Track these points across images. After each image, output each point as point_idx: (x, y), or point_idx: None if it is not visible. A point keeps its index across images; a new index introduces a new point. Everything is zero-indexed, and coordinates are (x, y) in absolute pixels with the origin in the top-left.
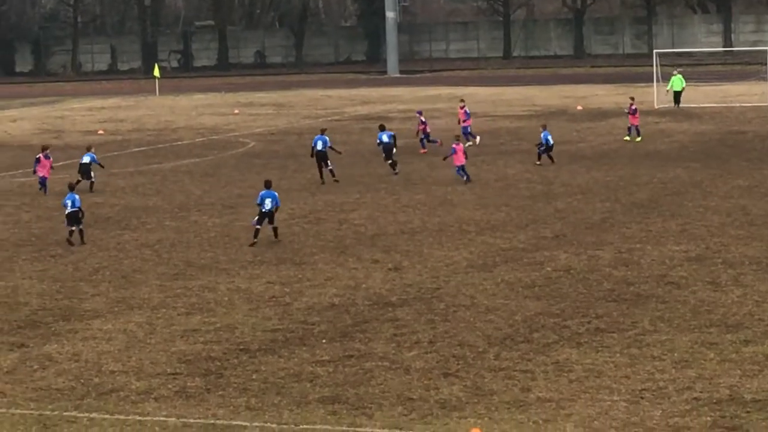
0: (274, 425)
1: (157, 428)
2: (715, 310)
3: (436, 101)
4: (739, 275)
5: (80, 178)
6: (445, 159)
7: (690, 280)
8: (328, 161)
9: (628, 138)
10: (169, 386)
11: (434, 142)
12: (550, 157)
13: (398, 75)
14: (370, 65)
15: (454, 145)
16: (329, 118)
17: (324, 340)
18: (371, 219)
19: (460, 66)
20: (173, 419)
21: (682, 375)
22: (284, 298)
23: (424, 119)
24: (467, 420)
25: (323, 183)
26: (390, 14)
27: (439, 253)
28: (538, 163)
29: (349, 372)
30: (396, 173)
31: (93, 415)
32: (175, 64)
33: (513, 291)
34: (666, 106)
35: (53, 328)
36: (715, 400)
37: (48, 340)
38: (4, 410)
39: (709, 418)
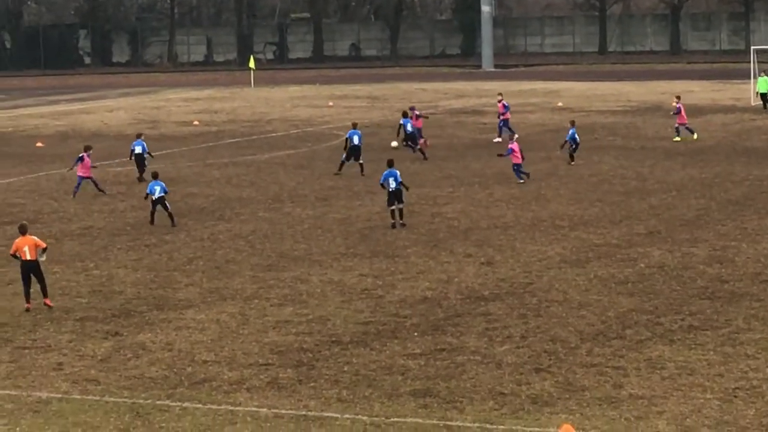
0: (365, 418)
1: (248, 418)
2: None
3: (530, 96)
4: None
5: (137, 170)
6: (500, 156)
7: None
8: (361, 156)
9: (678, 138)
10: (261, 377)
11: (420, 137)
12: (571, 156)
13: (493, 69)
14: (464, 59)
15: (510, 145)
16: (423, 112)
17: (416, 334)
18: (464, 213)
19: (554, 60)
20: (265, 410)
21: None
22: (376, 291)
23: (418, 113)
24: (558, 416)
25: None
26: (485, 8)
27: (532, 247)
28: (572, 163)
29: (440, 366)
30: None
31: (185, 404)
32: (270, 55)
33: (606, 287)
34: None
35: (147, 317)
36: None
37: (142, 329)
38: (97, 398)
39: None
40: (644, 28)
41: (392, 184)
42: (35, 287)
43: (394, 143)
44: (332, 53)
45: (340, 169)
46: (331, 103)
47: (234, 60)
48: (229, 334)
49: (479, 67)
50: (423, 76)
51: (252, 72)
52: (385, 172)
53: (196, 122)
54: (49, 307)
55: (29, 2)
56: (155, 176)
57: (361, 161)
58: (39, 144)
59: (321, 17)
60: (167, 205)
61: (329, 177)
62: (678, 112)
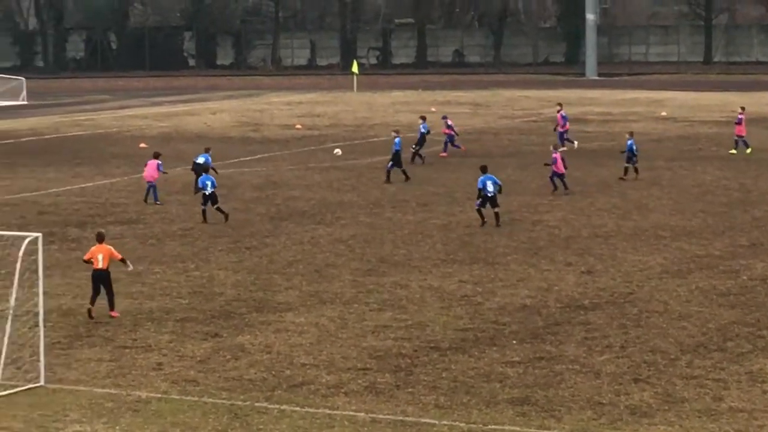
0: (462, 424)
1: (346, 422)
2: None
3: (634, 105)
4: None
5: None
6: (546, 165)
7: None
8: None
9: (734, 151)
10: (359, 381)
11: (457, 146)
12: (626, 169)
13: (596, 77)
14: (568, 67)
15: (554, 155)
16: (526, 119)
17: (515, 341)
18: (565, 221)
19: (659, 70)
20: (362, 414)
21: None
22: (476, 298)
23: (450, 122)
24: (657, 427)
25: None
26: (590, 16)
27: (633, 257)
28: (625, 177)
29: (539, 374)
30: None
31: (283, 407)
32: (373, 60)
33: (707, 298)
34: None
35: (246, 319)
36: None
37: (241, 331)
38: (196, 398)
39: None
40: (750, 38)
41: (490, 188)
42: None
43: (338, 151)
44: (435, 59)
45: (388, 177)
46: (433, 109)
47: (337, 64)
48: (327, 338)
49: (583, 75)
50: (526, 84)
51: (355, 76)
52: (482, 177)
53: (298, 126)
54: (114, 317)
55: (135, 4)
56: (206, 170)
57: (403, 168)
58: (143, 145)
59: (425, 23)
60: (218, 199)
61: (430, 182)
62: (739, 122)
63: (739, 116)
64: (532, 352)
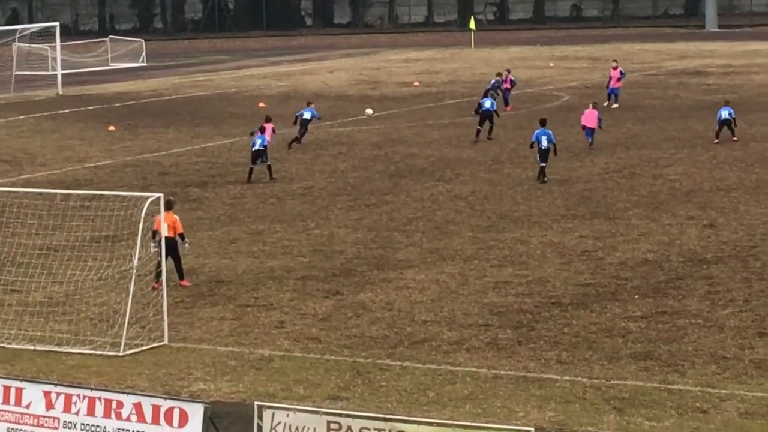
0: (584, 380)
1: (468, 378)
2: None
3: (755, 56)
4: None
5: (301, 130)
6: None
7: None
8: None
9: None
10: (481, 337)
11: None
12: (731, 131)
13: (716, 29)
14: (687, 19)
15: (586, 110)
16: (645, 73)
17: (636, 296)
18: (686, 175)
19: None
20: (484, 370)
21: None
22: (597, 253)
23: (512, 77)
24: None
25: (476, 141)
26: None
27: (757, 210)
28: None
29: (661, 329)
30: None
31: (405, 363)
32: (490, 16)
33: None
34: None
35: (367, 277)
36: None
37: (362, 289)
38: (318, 356)
39: None
40: None
41: (544, 143)
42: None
43: (369, 110)
44: (553, 14)
45: (477, 135)
46: (551, 64)
47: (454, 21)
48: (448, 295)
49: (702, 27)
50: (645, 37)
51: (472, 33)
52: (538, 131)
53: (416, 83)
54: (185, 286)
55: None
56: (262, 130)
57: (492, 124)
58: (261, 104)
59: None
60: (267, 157)
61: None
62: None
63: None
64: (654, 306)
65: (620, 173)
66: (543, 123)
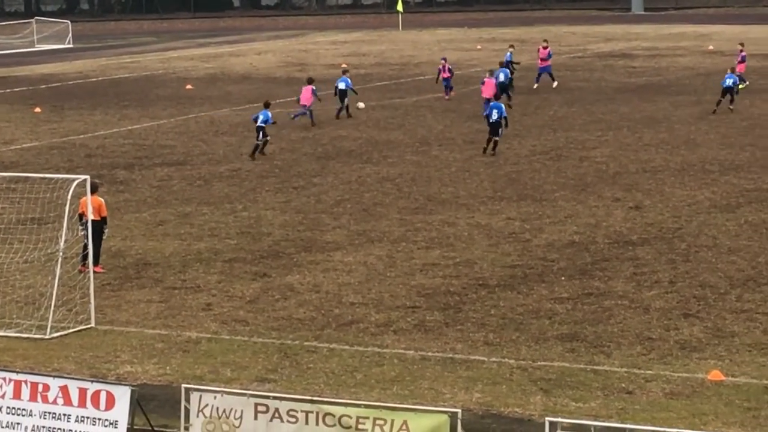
0: (511, 361)
1: (395, 360)
2: None
3: (681, 39)
4: None
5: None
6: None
7: None
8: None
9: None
10: (408, 319)
11: (449, 88)
12: (732, 98)
13: (642, 12)
14: (614, 2)
15: (485, 78)
16: (572, 55)
17: (563, 278)
18: (613, 157)
19: (706, 3)
20: (412, 352)
21: None
22: (524, 235)
23: (448, 66)
24: (707, 362)
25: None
26: None
27: (681, 192)
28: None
29: (587, 310)
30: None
31: (333, 345)
32: None
33: (757, 232)
34: None
35: (295, 259)
36: None
37: (290, 271)
38: (245, 338)
39: None
40: None
41: (494, 116)
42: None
43: (360, 104)
44: None
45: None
46: (479, 47)
47: (382, 3)
48: (376, 277)
49: (629, 10)
50: (572, 19)
51: (400, 15)
52: (492, 104)
53: (344, 65)
54: (98, 273)
55: None
56: (267, 105)
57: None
58: (189, 86)
59: None
60: (263, 135)
61: (477, 120)
62: (742, 60)
63: (743, 53)
64: (581, 288)
65: (547, 155)
66: (497, 97)
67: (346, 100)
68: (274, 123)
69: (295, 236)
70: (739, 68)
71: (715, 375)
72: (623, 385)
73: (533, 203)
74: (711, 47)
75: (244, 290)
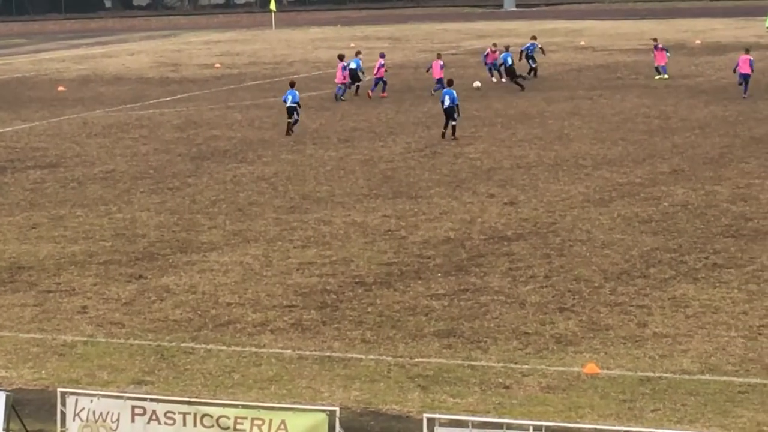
0: (389, 358)
1: (273, 360)
2: None
3: (553, 35)
4: None
5: (351, 81)
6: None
7: None
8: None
9: (663, 77)
10: (285, 318)
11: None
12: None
13: (514, 8)
14: None
15: (433, 62)
16: (445, 52)
17: (439, 274)
18: (487, 153)
19: None
20: (289, 351)
21: None
22: (400, 232)
23: (383, 62)
24: (583, 355)
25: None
26: None
27: (555, 187)
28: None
29: (464, 306)
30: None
31: (210, 346)
32: None
33: (630, 226)
34: None
35: (170, 260)
36: None
37: (165, 272)
38: (122, 341)
39: None
40: None
41: (446, 102)
42: None
43: (477, 83)
44: None
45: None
46: (353, 45)
47: (255, 2)
48: (252, 276)
49: (501, 6)
50: (445, 17)
51: (273, 14)
52: (444, 90)
53: (217, 65)
54: None
55: None
56: (292, 84)
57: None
58: (61, 88)
59: None
60: (295, 114)
61: (351, 118)
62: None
63: (659, 46)
64: (457, 284)
65: (422, 152)
66: (450, 83)
67: (359, 80)
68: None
69: (171, 237)
70: (661, 60)
71: (591, 368)
72: (500, 380)
73: (409, 200)
74: (583, 43)
75: (120, 292)
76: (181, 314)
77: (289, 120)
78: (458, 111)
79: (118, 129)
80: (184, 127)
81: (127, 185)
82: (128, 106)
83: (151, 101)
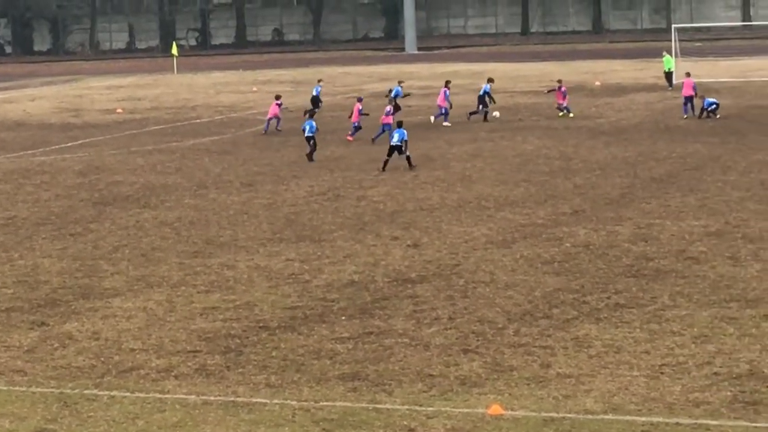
0: (294, 402)
1: (177, 406)
2: (734, 285)
3: (455, 77)
4: (759, 250)
5: (314, 109)
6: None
7: (709, 255)
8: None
9: (568, 115)
10: (189, 364)
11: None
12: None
13: (416, 52)
14: (387, 42)
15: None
16: (347, 95)
17: (343, 317)
18: (390, 196)
19: (478, 42)
20: (193, 397)
21: (701, 350)
22: (303, 276)
23: (360, 107)
24: (487, 396)
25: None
26: None
27: (458, 229)
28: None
29: (368, 349)
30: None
31: (113, 393)
32: (193, 42)
33: (532, 267)
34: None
35: (73, 307)
36: (734, 375)
37: (68, 319)
38: (24, 389)
39: (729, 393)
40: (566, 8)
41: (395, 139)
42: None
43: (496, 113)
44: (255, 38)
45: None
46: (255, 89)
47: (156, 47)
48: (156, 322)
49: (402, 50)
50: (347, 60)
51: (175, 59)
52: (396, 130)
53: (119, 110)
54: None
55: None
56: (312, 115)
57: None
58: None
59: (243, 2)
60: (313, 143)
61: (254, 162)
62: (560, 92)
63: (562, 89)
64: (361, 327)
65: (325, 195)
66: (399, 124)
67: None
68: (317, 131)
69: (73, 283)
70: (562, 100)
71: (495, 409)
72: (405, 422)
73: (312, 244)
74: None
75: (22, 340)
76: (84, 361)
77: (310, 146)
78: (406, 147)
79: (20, 175)
80: (86, 173)
81: (29, 231)
82: (29, 152)
83: (53, 147)
